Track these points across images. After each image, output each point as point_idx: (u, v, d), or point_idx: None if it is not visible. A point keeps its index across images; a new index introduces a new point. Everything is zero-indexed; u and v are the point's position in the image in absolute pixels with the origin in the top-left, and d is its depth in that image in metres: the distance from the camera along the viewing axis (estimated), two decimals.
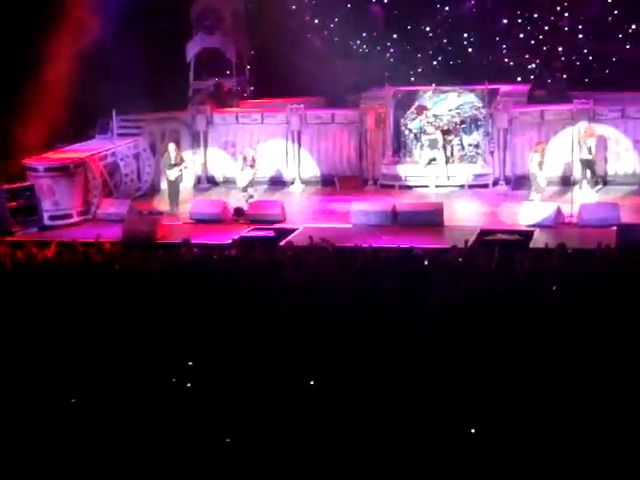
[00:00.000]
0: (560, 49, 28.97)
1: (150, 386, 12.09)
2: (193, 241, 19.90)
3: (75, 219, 23.92)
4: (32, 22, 24.89)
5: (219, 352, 12.80)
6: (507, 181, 25.73)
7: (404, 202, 23.71)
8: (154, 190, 26.73)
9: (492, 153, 25.90)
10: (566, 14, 28.84)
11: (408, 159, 26.60)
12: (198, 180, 27.54)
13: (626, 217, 21.63)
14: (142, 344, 13.12)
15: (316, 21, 30.27)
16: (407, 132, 26.96)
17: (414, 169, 26.09)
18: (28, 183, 23.61)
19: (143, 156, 26.70)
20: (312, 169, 27.18)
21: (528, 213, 21.99)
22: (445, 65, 29.18)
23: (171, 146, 25.13)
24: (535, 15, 29.00)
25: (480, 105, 26.32)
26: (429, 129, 26.12)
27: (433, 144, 25.95)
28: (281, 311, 13.94)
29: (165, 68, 27.98)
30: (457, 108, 26.65)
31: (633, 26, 28.34)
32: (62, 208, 23.84)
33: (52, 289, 15.54)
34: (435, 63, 29.41)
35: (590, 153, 24.29)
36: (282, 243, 20.21)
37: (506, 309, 13.69)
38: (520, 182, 25.37)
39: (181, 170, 24.67)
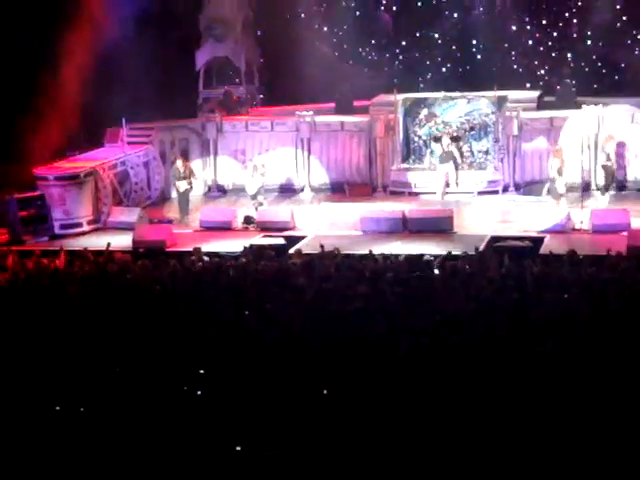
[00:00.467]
0: (569, 55, 28.96)
1: (161, 394, 12.09)
2: (203, 249, 19.94)
3: (85, 228, 23.96)
4: (44, 32, 24.94)
5: (230, 360, 12.81)
6: (517, 187, 25.74)
7: (414, 209, 23.71)
8: (164, 198, 26.79)
9: (502, 159, 25.90)
10: (575, 20, 28.83)
11: (418, 166, 26.59)
12: (208, 188, 27.59)
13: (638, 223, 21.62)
14: (153, 352, 13.13)
15: (325, 29, 30.31)
16: (416, 139, 26.95)
17: (424, 176, 26.08)
18: (39, 192, 23.66)
19: (153, 164, 26.75)
20: (322, 176, 27.20)
21: (538, 219, 21.97)
22: (454, 72, 29.22)
23: (178, 162, 25.18)
24: (544, 21, 29.01)
25: (489, 111, 26.32)
26: (445, 140, 25.91)
27: (447, 157, 25.73)
28: (292, 319, 13.95)
29: (175, 76, 28.06)
30: (466, 115, 26.66)
31: None
32: (72, 217, 23.88)
33: (62, 298, 15.57)
34: (444, 70, 29.44)
35: (609, 159, 24.32)
36: (292, 250, 20.22)
37: (516, 315, 13.68)
38: (530, 188, 25.39)
39: (190, 183, 24.70)
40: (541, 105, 26.72)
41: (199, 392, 12.08)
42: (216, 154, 27.56)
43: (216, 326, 13.80)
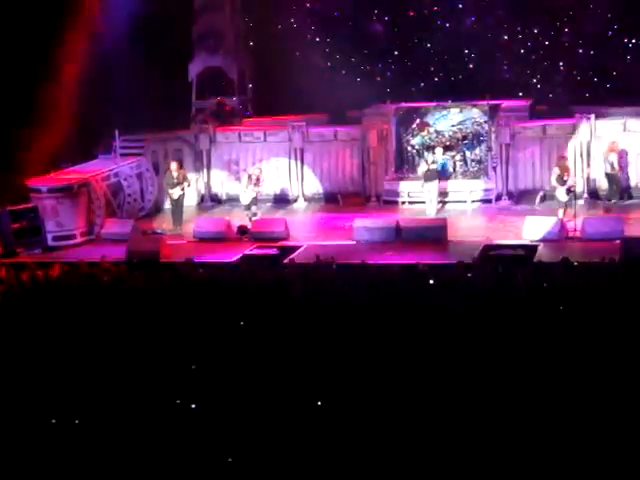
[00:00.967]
0: (561, 64, 29.01)
1: (154, 407, 12.06)
2: (197, 260, 19.93)
3: (79, 240, 23.92)
4: (38, 45, 24.93)
5: (224, 372, 12.79)
6: (510, 196, 25.77)
7: (407, 218, 23.72)
8: (157, 209, 26.77)
9: (495, 168, 25.94)
10: (566, 29, 28.88)
11: (411, 175, 26.59)
12: (201, 199, 27.58)
13: (633, 231, 21.62)
14: (146, 364, 13.11)
15: (317, 39, 30.33)
16: (409, 148, 26.98)
17: (417, 185, 26.08)
18: (32, 204, 23.62)
19: (146, 176, 26.75)
20: (315, 186, 27.22)
21: (532, 228, 21.99)
22: (447, 81, 29.21)
23: (173, 165, 25.17)
24: (535, 30, 29.04)
25: (482, 121, 26.36)
26: (429, 157, 25.49)
27: (431, 175, 25.11)
28: (286, 329, 13.93)
29: (167, 87, 28.06)
30: (459, 124, 26.69)
31: (633, 40, 28.36)
32: (66, 229, 23.84)
33: (57, 310, 15.54)
34: (437, 79, 29.43)
35: (613, 168, 24.37)
36: (286, 261, 20.21)
37: (510, 324, 13.69)
38: (523, 197, 25.47)
39: (183, 189, 24.67)
40: (533, 114, 26.78)
41: (193, 405, 12.05)
42: (209, 165, 27.57)
43: (210, 337, 13.79)
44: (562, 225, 21.96)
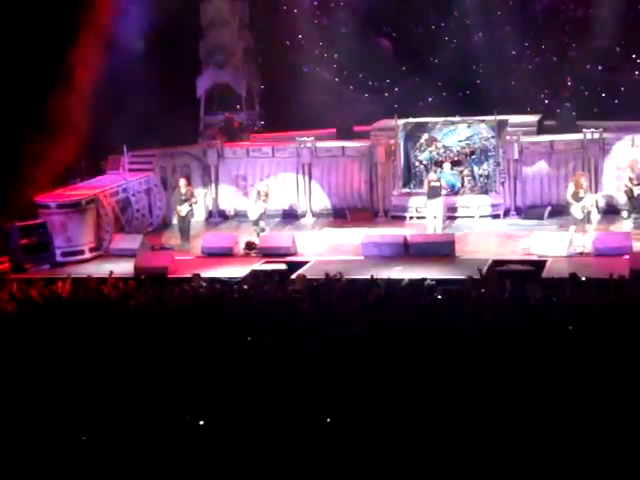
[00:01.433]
0: (569, 79, 29.04)
1: (163, 423, 12.04)
2: (205, 275, 19.93)
3: (87, 255, 23.92)
4: (47, 61, 25.02)
5: (232, 388, 12.77)
6: (518, 211, 25.76)
7: (416, 233, 23.70)
8: (166, 225, 26.80)
9: (503, 183, 25.94)
10: (574, 45, 28.92)
11: (419, 190, 26.57)
12: (209, 214, 27.61)
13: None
14: (155, 381, 13.10)
15: (325, 55, 30.41)
16: (417, 164, 27.00)
17: (425, 200, 26.04)
18: (40, 220, 23.66)
19: (154, 191, 26.79)
20: (323, 202, 27.23)
21: (540, 243, 21.96)
22: (454, 96, 29.25)
23: (182, 181, 25.21)
24: (543, 46, 29.09)
25: (490, 136, 26.37)
26: (432, 175, 24.96)
27: (434, 192, 24.46)
28: (294, 345, 13.92)
29: (176, 103, 28.13)
30: (467, 139, 26.72)
31: None
32: (74, 244, 23.85)
33: (65, 326, 15.55)
34: (444, 94, 29.47)
35: (632, 182, 24.33)
36: (293, 276, 20.20)
37: (520, 340, 13.66)
38: (531, 212, 25.45)
39: (191, 205, 24.70)
40: (541, 129, 26.79)
41: (201, 422, 12.03)
42: (217, 180, 27.61)
43: (219, 353, 13.77)
44: (571, 240, 21.91)
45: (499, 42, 29.13)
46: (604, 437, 10.88)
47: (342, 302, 16.26)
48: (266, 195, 24.80)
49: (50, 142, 24.97)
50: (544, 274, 20.00)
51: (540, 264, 20.81)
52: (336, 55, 30.35)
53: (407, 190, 26.68)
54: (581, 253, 21.85)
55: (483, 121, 26.52)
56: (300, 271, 20.84)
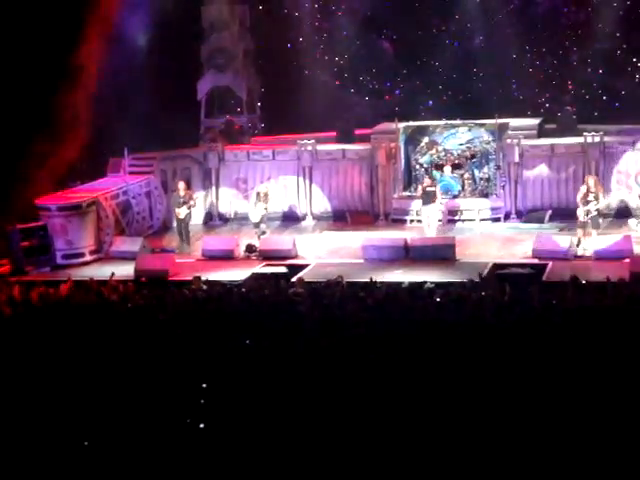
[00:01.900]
0: (569, 83, 29.05)
1: (163, 426, 12.04)
2: (206, 278, 19.93)
3: (88, 258, 23.94)
4: (48, 65, 25.01)
5: (233, 391, 12.76)
6: (519, 214, 25.75)
7: (416, 237, 23.70)
8: (166, 228, 26.80)
9: (503, 187, 25.93)
10: (575, 48, 28.93)
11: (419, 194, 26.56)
12: (210, 217, 27.62)
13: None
14: (155, 383, 13.09)
15: (326, 58, 30.43)
16: (418, 167, 27.02)
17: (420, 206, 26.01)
18: (41, 222, 23.66)
19: (155, 194, 26.79)
20: (323, 205, 27.23)
21: (540, 246, 21.95)
22: (455, 100, 29.27)
23: (181, 184, 25.24)
24: (544, 49, 29.10)
25: (490, 139, 26.38)
26: (426, 181, 24.71)
27: (429, 198, 24.22)
28: (294, 348, 13.91)
29: (176, 106, 28.15)
30: (468, 142, 26.74)
31: None
32: (75, 247, 23.87)
33: (65, 328, 15.54)
34: (445, 98, 29.50)
35: None
36: (294, 279, 20.20)
37: (520, 343, 13.65)
38: (532, 215, 25.44)
39: (190, 208, 24.71)
40: (542, 132, 26.78)
41: (202, 425, 12.02)
42: (218, 183, 27.61)
43: (219, 356, 13.76)
44: (571, 244, 21.91)
45: (500, 45, 29.12)
46: (605, 437, 10.89)
47: (342, 305, 16.25)
48: (265, 196, 24.82)
49: (52, 144, 24.95)
50: (545, 277, 19.99)
51: (541, 267, 20.81)
52: (337, 58, 30.38)
53: (407, 193, 26.69)
54: (582, 256, 21.85)
55: (484, 124, 26.52)
56: (300, 274, 20.85)
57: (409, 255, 22.55)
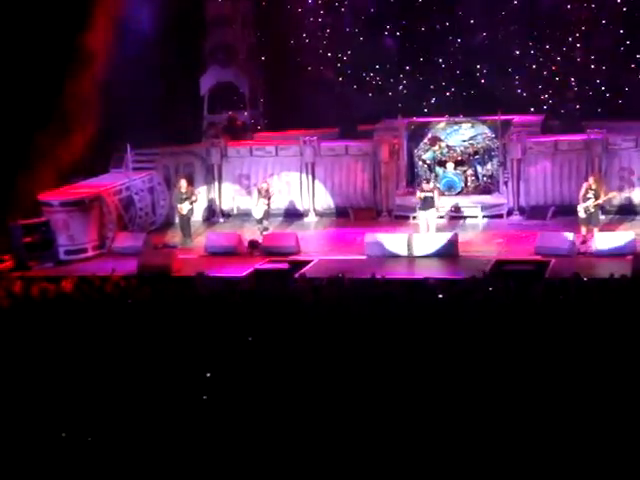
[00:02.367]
0: (573, 79, 29.00)
1: (165, 420, 12.05)
2: (208, 274, 19.94)
3: (90, 253, 23.96)
4: (51, 59, 25.00)
5: (234, 386, 12.78)
6: (521, 211, 25.73)
7: (419, 233, 23.66)
8: (169, 223, 26.80)
9: (506, 183, 25.91)
10: (578, 44, 28.88)
11: None
12: (212, 213, 27.61)
13: None
14: (156, 378, 13.11)
15: (329, 54, 30.40)
16: (421, 163, 27.00)
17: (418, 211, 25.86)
18: (44, 218, 23.67)
19: (157, 190, 26.80)
20: (326, 201, 27.21)
21: (543, 243, 21.94)
22: (458, 96, 29.22)
23: (182, 182, 25.29)
24: (547, 46, 29.05)
25: (493, 136, 26.36)
26: (425, 186, 24.22)
27: (427, 204, 23.80)
28: (296, 344, 13.92)
29: (179, 102, 28.13)
30: (471, 139, 26.70)
31: None
32: (77, 243, 23.88)
33: (68, 324, 15.56)
34: (448, 94, 29.45)
35: None
36: (296, 275, 20.20)
37: (523, 338, 13.67)
38: (535, 212, 25.42)
39: (192, 204, 24.73)
40: (545, 129, 26.76)
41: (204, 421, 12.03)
42: (220, 179, 27.60)
43: (220, 351, 13.78)
44: (574, 241, 21.90)
45: (503, 42, 29.08)
46: (606, 434, 10.89)
47: (344, 301, 16.26)
48: (267, 192, 24.85)
49: (54, 140, 24.95)
50: (547, 274, 19.99)
51: (543, 264, 20.80)
52: (340, 54, 30.33)
53: (410, 189, 26.64)
54: (584, 253, 21.84)
55: (487, 121, 26.49)
56: (303, 270, 20.85)
57: (412, 251, 22.49)
